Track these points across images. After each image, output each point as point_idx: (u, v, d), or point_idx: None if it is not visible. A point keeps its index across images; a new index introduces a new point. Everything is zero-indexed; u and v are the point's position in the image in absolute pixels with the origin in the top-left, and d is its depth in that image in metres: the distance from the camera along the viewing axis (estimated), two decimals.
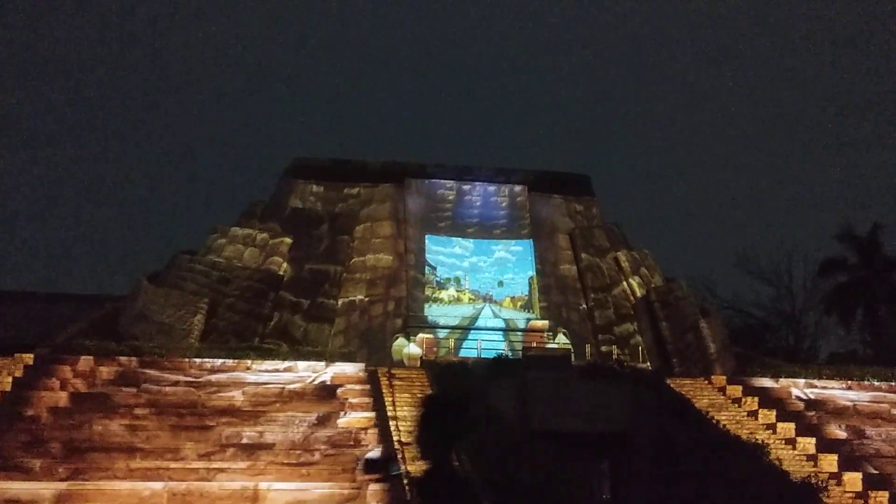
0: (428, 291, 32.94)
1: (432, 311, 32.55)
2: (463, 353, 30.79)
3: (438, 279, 33.46)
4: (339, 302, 32.08)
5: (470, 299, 33.44)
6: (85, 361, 24.83)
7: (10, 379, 23.70)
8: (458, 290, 33.61)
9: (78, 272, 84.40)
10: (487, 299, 33.57)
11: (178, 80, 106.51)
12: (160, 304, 30.01)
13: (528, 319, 33.00)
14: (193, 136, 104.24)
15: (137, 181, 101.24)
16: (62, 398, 23.22)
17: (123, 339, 28.05)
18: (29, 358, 24.68)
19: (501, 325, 32.94)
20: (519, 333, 32.58)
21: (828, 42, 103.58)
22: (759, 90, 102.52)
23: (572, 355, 29.55)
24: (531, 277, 33.99)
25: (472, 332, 32.26)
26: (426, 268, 33.44)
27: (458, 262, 34.02)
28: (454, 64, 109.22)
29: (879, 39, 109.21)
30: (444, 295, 33.27)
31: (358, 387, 24.93)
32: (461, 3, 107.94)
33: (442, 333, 32.02)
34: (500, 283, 33.92)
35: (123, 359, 25.21)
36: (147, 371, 24.79)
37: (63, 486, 20.01)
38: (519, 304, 33.61)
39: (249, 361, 25.65)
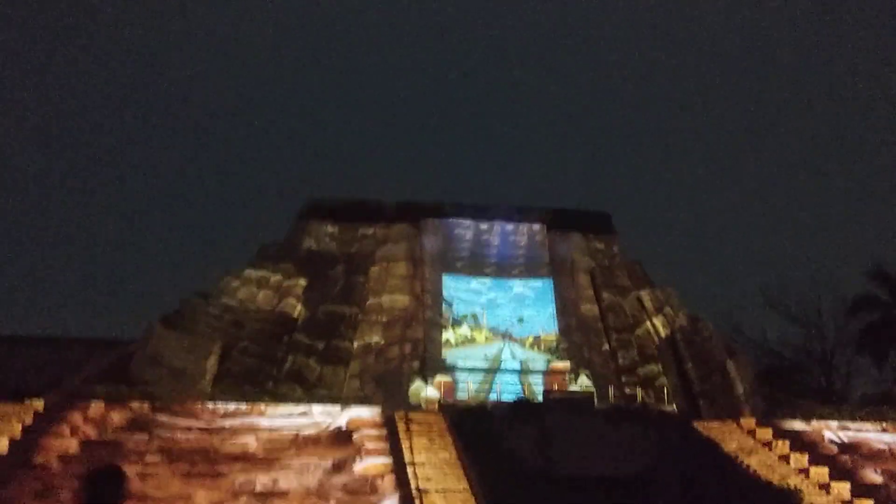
0: (444, 333, 32.18)
1: (449, 354, 31.84)
2: (482, 396, 30.06)
3: (455, 316, 32.80)
4: (355, 344, 31.52)
5: (487, 338, 32.72)
6: (96, 407, 24.34)
7: (19, 426, 23.21)
8: (474, 328, 32.84)
9: (89, 316, 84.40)
10: (507, 337, 32.82)
11: (189, 119, 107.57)
12: (172, 347, 29.56)
13: (549, 360, 32.25)
14: (205, 176, 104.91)
15: (149, 223, 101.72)
16: (72, 445, 22.68)
17: (135, 383, 27.58)
18: (39, 404, 24.22)
19: (526, 364, 32.15)
20: (538, 375, 31.84)
21: (853, 71, 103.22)
22: (782, 122, 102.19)
23: (595, 398, 28.83)
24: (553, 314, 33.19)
25: (492, 373, 31.53)
26: (442, 304, 32.80)
27: (475, 298, 33.36)
28: (469, 101, 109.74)
29: None
30: (460, 333, 32.50)
31: (374, 431, 24.26)
32: (476, 39, 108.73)
33: (461, 376, 31.33)
34: (521, 320, 33.19)
35: (135, 404, 24.69)
36: (159, 417, 24.28)
37: None
38: (545, 345, 32.72)
39: (263, 406, 25.10)
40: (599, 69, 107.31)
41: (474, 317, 33.03)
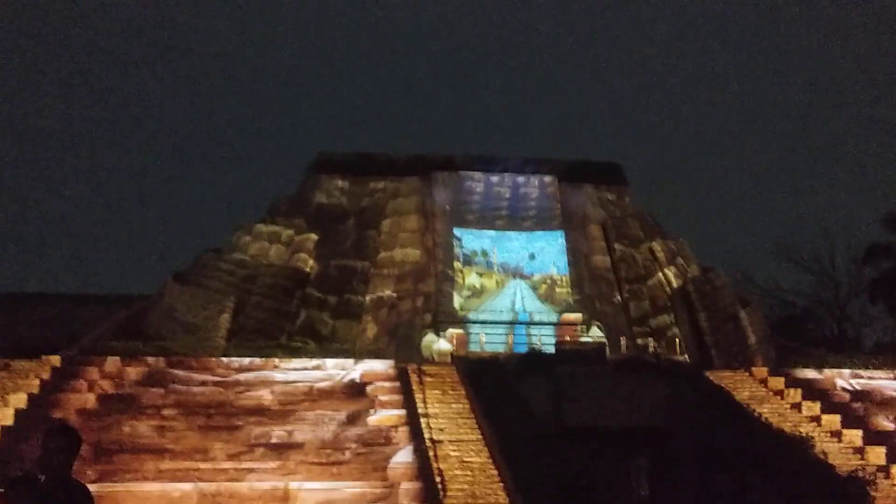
0: (454, 295, 31.90)
1: (458, 302, 31.84)
2: (494, 347, 30.18)
3: (465, 251, 32.71)
4: (367, 298, 31.59)
5: (497, 282, 32.68)
6: (112, 362, 24.61)
7: (37, 381, 23.50)
8: (484, 273, 32.68)
9: (103, 272, 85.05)
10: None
11: (199, 78, 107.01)
12: (186, 303, 29.73)
13: (561, 311, 32.28)
14: (216, 133, 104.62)
15: (161, 180, 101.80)
16: (90, 400, 22.99)
17: (150, 339, 27.82)
18: (56, 360, 24.48)
19: (534, 315, 32.18)
20: (551, 327, 31.89)
21: (867, 26, 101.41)
22: (795, 71, 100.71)
23: (607, 349, 28.89)
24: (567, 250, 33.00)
25: (504, 325, 31.62)
26: (454, 253, 32.69)
27: (485, 232, 33.33)
28: (479, 53, 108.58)
29: None
30: (469, 283, 32.41)
31: (388, 384, 24.45)
32: None
33: (473, 328, 31.42)
34: (532, 256, 33.13)
35: (150, 359, 24.95)
36: (174, 371, 24.52)
37: (93, 488, 19.16)
38: (557, 296, 32.66)
39: (277, 360, 25.30)
40: (611, 18, 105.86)
41: (484, 253, 32.93)
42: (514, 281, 32.68)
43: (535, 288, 32.75)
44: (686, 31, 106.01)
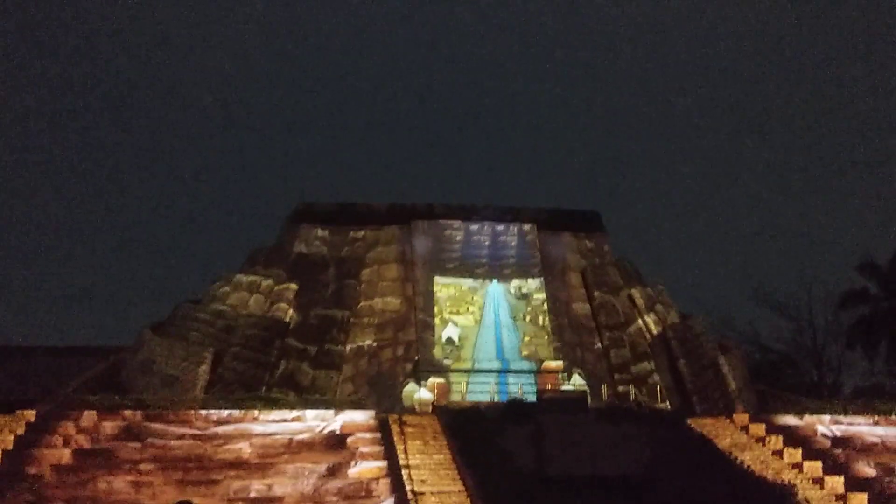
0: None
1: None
2: (476, 397, 30.05)
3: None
4: (348, 348, 31.46)
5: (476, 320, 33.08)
6: (88, 416, 24.18)
7: (11, 437, 23.06)
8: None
9: (79, 324, 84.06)
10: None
11: (178, 125, 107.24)
12: (164, 355, 29.45)
13: (541, 362, 32.28)
14: (196, 183, 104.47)
15: (139, 229, 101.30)
16: (65, 455, 22.56)
17: (127, 392, 27.47)
18: (31, 414, 24.04)
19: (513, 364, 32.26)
20: (531, 375, 31.87)
21: (840, 64, 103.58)
22: (772, 116, 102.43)
23: (588, 397, 28.85)
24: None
25: (486, 374, 31.54)
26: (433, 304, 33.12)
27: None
28: (458, 103, 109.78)
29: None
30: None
31: (368, 435, 24.20)
32: (465, 41, 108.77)
33: (454, 377, 31.31)
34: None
35: (128, 413, 24.54)
36: (152, 425, 24.13)
37: None
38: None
39: (256, 412, 24.96)
40: (588, 69, 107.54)
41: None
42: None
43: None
44: (661, 78, 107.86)
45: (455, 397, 30.19)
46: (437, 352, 31.97)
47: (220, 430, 24.05)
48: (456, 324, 33.05)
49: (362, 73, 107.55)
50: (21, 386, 27.34)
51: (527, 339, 33.12)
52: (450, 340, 32.59)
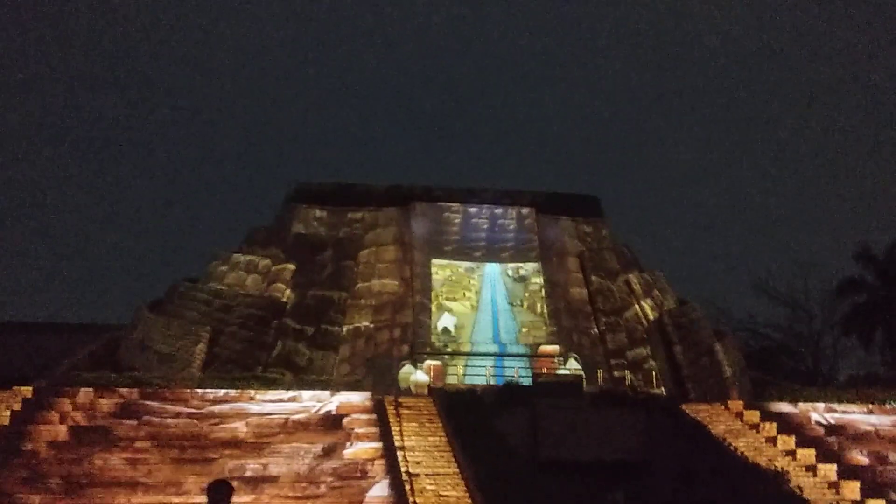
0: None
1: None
2: (472, 380, 30.11)
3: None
4: (344, 329, 31.44)
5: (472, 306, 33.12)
6: (85, 394, 24.27)
7: (8, 413, 23.16)
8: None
9: (77, 301, 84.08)
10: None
11: (178, 105, 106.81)
12: (161, 333, 29.44)
13: (538, 345, 32.35)
14: (194, 162, 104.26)
15: (137, 208, 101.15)
16: (61, 432, 22.64)
17: (124, 369, 27.49)
18: (27, 391, 24.14)
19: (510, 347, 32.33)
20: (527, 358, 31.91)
21: (841, 56, 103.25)
22: (771, 105, 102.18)
23: (584, 381, 28.89)
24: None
25: (482, 357, 31.60)
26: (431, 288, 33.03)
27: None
28: (459, 84, 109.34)
29: None
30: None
31: (364, 416, 24.29)
32: (467, 24, 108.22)
33: (451, 360, 31.37)
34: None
35: (124, 390, 24.61)
36: (148, 403, 24.21)
37: None
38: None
39: (252, 391, 25.03)
40: (590, 53, 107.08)
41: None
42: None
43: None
44: (664, 63, 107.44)
45: (451, 380, 30.21)
46: (434, 334, 32.00)
47: (217, 409, 24.11)
48: (452, 312, 33.07)
49: (362, 55, 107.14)
50: (17, 363, 27.32)
51: (523, 323, 33.17)
52: (445, 330, 32.62)
